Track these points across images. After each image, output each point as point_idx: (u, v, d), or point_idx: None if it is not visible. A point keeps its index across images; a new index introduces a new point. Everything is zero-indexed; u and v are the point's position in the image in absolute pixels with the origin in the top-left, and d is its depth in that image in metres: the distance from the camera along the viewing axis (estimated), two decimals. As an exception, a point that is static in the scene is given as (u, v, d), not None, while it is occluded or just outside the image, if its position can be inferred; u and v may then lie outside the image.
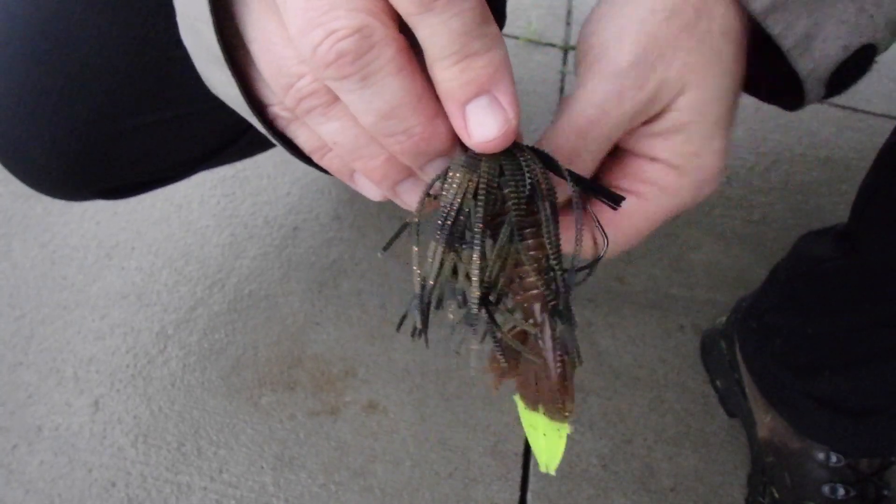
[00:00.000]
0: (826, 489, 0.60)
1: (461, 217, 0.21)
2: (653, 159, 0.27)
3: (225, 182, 0.84)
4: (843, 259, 0.53)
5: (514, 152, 0.22)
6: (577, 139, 0.25)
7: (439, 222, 0.21)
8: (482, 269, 0.21)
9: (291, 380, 0.69)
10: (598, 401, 0.71)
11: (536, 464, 0.67)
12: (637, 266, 0.82)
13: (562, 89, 1.00)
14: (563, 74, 1.02)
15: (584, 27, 0.27)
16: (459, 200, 0.21)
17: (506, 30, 1.07)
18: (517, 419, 0.68)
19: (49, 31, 0.42)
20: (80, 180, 0.47)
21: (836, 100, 1.06)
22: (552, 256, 0.22)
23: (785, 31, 0.24)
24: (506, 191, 0.22)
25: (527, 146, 0.23)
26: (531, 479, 0.66)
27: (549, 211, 0.22)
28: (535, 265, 0.22)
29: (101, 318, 0.73)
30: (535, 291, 0.23)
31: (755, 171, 0.95)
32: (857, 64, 0.26)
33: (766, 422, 0.64)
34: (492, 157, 0.22)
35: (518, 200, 0.22)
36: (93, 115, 0.43)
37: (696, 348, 0.76)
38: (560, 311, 0.23)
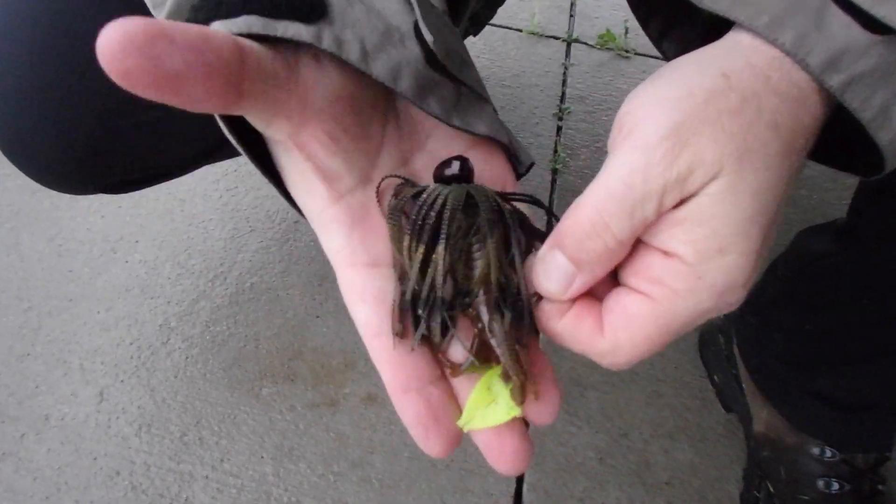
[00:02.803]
0: (821, 483, 0.60)
1: (432, 215, 0.25)
2: (667, 254, 0.24)
3: (227, 177, 0.85)
4: (842, 255, 0.53)
5: (483, 190, 0.26)
6: (597, 214, 0.23)
7: (417, 221, 0.25)
8: (445, 260, 0.25)
9: (292, 372, 0.71)
10: (595, 395, 0.72)
11: (533, 456, 0.67)
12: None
13: (564, 82, 1.00)
14: (566, 67, 1.02)
15: (622, 107, 0.25)
16: (435, 203, 0.25)
17: (509, 22, 1.07)
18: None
19: (55, 28, 0.43)
20: (85, 175, 0.48)
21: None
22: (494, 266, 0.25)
23: (864, 104, 0.23)
24: (478, 216, 0.26)
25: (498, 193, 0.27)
26: (527, 471, 0.67)
27: (495, 237, 0.25)
28: (484, 270, 0.25)
29: (106, 311, 0.74)
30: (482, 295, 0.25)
31: (758, 164, 0.94)
32: None
33: (763, 416, 0.64)
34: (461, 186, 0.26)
35: (484, 218, 0.26)
36: (98, 111, 0.44)
37: (695, 343, 0.76)
38: (502, 308, 0.25)
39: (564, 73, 1.01)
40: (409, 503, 0.63)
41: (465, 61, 0.30)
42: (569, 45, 1.05)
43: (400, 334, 0.25)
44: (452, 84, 0.28)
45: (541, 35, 1.06)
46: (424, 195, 0.26)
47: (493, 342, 0.24)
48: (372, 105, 0.27)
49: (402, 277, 0.25)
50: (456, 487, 0.65)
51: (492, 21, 0.73)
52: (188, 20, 0.24)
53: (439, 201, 0.25)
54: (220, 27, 0.23)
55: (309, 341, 0.73)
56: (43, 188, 0.50)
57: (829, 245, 0.55)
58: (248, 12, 0.23)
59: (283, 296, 0.76)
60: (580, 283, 0.24)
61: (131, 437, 0.66)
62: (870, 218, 0.51)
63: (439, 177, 0.27)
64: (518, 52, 1.03)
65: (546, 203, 0.86)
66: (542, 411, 0.25)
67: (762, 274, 0.65)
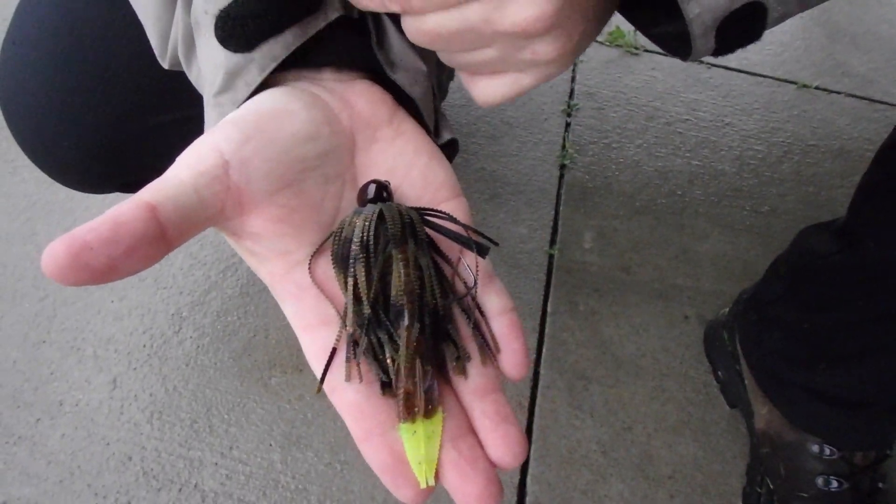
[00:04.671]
0: (820, 481, 0.61)
1: (353, 245, 0.26)
2: None
3: (239, 169, 0.86)
4: (842, 254, 0.54)
5: (393, 205, 0.27)
6: None
7: (339, 253, 0.26)
8: (368, 277, 0.26)
9: (300, 362, 0.72)
10: (599, 388, 0.73)
11: (536, 448, 0.68)
12: (643, 255, 0.83)
13: (573, 78, 1.00)
14: (575, 63, 1.02)
15: None
16: (350, 230, 0.27)
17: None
18: (519, 404, 0.70)
19: (77, 33, 0.44)
20: (103, 175, 0.50)
21: (852, 90, 1.04)
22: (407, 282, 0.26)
23: None
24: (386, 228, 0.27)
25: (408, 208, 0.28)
26: (531, 463, 0.68)
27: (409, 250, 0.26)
28: (396, 281, 0.26)
29: (119, 300, 0.75)
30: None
31: (766, 161, 0.94)
32: (747, 24, 0.25)
33: (763, 413, 0.65)
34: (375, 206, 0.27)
35: (391, 234, 0.27)
36: (119, 115, 0.45)
37: (700, 339, 0.76)
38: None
39: (573, 70, 1.01)
40: (413, 492, 0.64)
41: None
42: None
43: (348, 377, 0.25)
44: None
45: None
46: (337, 229, 0.27)
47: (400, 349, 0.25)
48: (324, 180, 0.28)
49: (344, 317, 0.26)
50: (460, 478, 0.66)
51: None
52: (223, 28, 0.27)
53: (356, 225, 0.26)
54: (272, 48, 0.27)
55: (317, 332, 0.74)
56: (58, 180, 0.51)
57: (829, 244, 0.55)
58: (283, 28, 0.27)
59: (293, 287, 0.77)
60: None
61: (143, 423, 0.67)
62: (868, 218, 0.51)
63: (361, 202, 0.27)
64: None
65: (554, 200, 0.86)
66: (508, 361, 0.26)
67: (765, 272, 0.66)
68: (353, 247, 0.26)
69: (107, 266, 0.21)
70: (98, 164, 0.48)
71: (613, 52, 1.05)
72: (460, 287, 0.27)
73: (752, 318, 0.65)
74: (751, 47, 0.36)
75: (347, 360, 0.25)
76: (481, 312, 0.27)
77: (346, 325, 0.25)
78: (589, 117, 0.96)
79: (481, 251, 0.27)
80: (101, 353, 0.72)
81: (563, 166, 0.90)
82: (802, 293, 0.59)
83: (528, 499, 0.65)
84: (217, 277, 0.78)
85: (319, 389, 0.25)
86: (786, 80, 1.04)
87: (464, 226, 0.28)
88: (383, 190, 0.27)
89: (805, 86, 1.04)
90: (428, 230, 0.27)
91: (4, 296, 0.75)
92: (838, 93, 1.04)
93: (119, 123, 0.46)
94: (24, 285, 0.76)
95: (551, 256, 0.82)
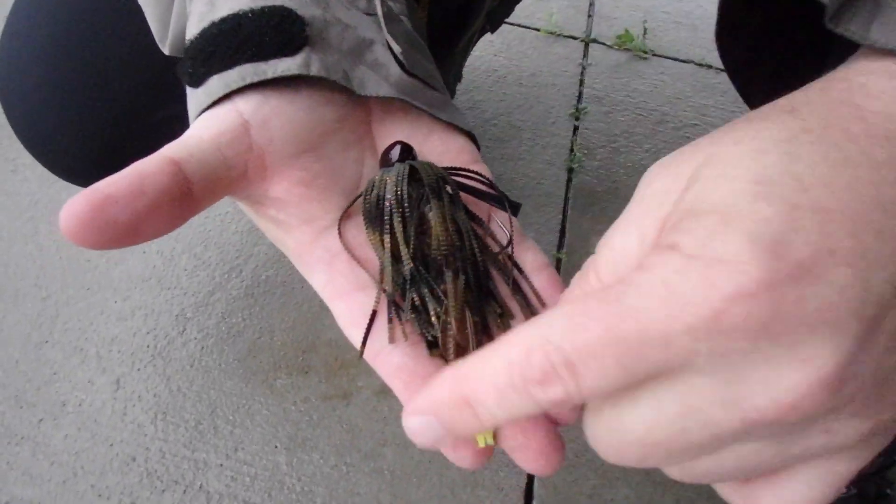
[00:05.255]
0: (830, 487, 0.60)
1: (387, 201, 0.25)
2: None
3: (244, 169, 0.86)
4: None
5: (423, 161, 0.26)
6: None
7: (371, 211, 0.25)
8: (407, 232, 0.24)
9: (306, 364, 0.71)
10: (606, 393, 0.72)
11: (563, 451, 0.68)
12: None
13: (581, 82, 1.00)
14: (584, 66, 1.02)
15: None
16: (381, 187, 0.26)
17: (527, 21, 1.07)
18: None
19: (73, 30, 0.44)
20: (104, 171, 0.49)
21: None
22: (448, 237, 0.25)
23: None
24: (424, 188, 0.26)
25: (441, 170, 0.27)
26: (538, 467, 0.67)
27: (445, 203, 0.25)
28: (437, 234, 0.25)
29: (123, 301, 0.75)
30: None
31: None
32: None
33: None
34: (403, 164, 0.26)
35: (429, 187, 0.25)
36: (116, 110, 0.45)
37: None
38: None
39: (582, 73, 1.01)
40: (419, 495, 0.64)
41: (433, 74, 0.31)
42: (586, 45, 1.05)
43: (392, 339, 0.24)
44: (427, 88, 0.29)
45: (558, 35, 1.06)
46: (367, 187, 0.26)
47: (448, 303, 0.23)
48: (344, 144, 0.27)
49: (382, 277, 0.25)
50: (467, 481, 0.65)
51: (509, 20, 0.73)
52: (184, 67, 0.26)
53: (387, 183, 0.25)
54: (217, 82, 0.24)
55: (323, 334, 0.73)
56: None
57: None
58: (238, 61, 0.25)
59: (298, 289, 0.76)
60: None
61: (147, 424, 0.66)
62: None
63: (384, 164, 0.27)
64: (535, 52, 1.03)
65: (562, 203, 0.86)
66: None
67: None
68: (387, 203, 0.25)
69: (131, 223, 0.20)
70: (98, 160, 0.47)
71: (622, 56, 1.05)
72: (493, 246, 0.27)
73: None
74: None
75: (389, 321, 0.24)
76: (519, 269, 0.26)
77: (384, 286, 0.24)
78: (597, 121, 0.96)
79: (514, 208, 0.26)
80: (104, 354, 0.71)
81: (570, 170, 0.90)
82: None
83: (534, 502, 0.65)
84: (221, 279, 0.77)
85: (362, 355, 0.24)
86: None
87: (492, 184, 0.27)
88: (408, 151, 0.27)
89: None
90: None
91: (6, 295, 0.74)
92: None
93: (118, 119, 0.45)
94: (25, 285, 0.75)
95: (559, 260, 0.82)
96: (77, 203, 0.19)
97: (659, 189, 0.19)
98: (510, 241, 0.26)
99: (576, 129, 0.95)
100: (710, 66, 1.04)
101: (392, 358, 0.23)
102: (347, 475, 0.65)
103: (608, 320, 0.16)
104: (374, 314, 0.24)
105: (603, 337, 0.16)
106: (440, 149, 0.29)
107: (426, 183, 0.25)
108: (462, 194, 0.27)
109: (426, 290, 0.24)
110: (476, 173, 0.27)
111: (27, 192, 0.83)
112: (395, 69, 0.28)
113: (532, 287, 0.25)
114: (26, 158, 0.48)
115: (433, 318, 0.24)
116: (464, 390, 0.18)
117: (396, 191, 0.25)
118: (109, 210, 0.19)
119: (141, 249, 0.79)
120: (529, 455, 0.22)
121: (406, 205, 0.25)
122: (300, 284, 0.77)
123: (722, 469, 0.18)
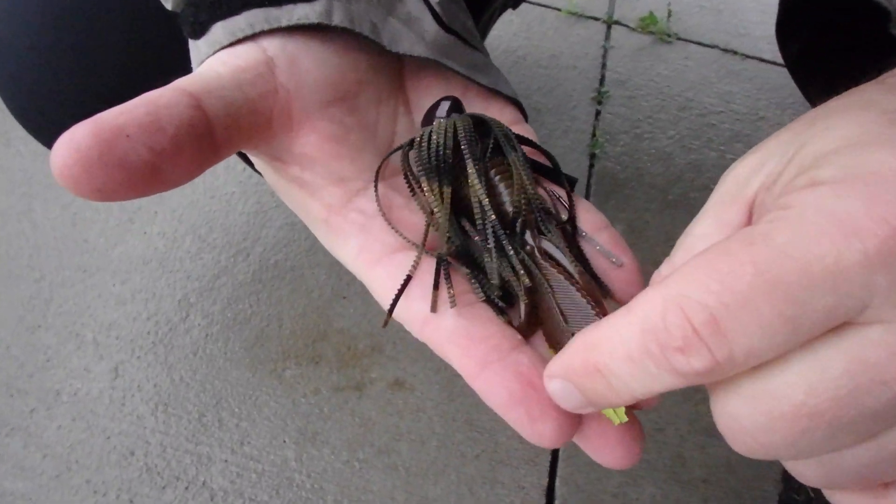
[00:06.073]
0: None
1: (444, 145, 0.22)
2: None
3: (251, 148, 0.82)
4: None
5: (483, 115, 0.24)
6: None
7: (431, 159, 0.22)
8: (481, 178, 0.22)
9: (316, 354, 0.68)
10: (631, 388, 0.69)
11: (565, 449, 0.65)
12: (674, 251, 0.80)
13: (603, 65, 0.97)
14: (606, 49, 0.98)
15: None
16: (442, 135, 0.23)
17: (548, 1, 1.03)
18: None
19: None
20: None
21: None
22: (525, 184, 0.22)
23: None
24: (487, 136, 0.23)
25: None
26: (560, 464, 0.64)
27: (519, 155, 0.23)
28: (518, 188, 0.22)
29: (122, 283, 0.71)
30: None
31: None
32: None
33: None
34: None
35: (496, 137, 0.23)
36: (114, 77, 0.42)
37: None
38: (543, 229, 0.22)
39: (604, 56, 0.98)
40: (436, 493, 0.61)
41: (472, 31, 0.28)
42: (609, 26, 1.01)
43: (453, 303, 0.21)
44: (467, 48, 0.26)
45: (580, 15, 1.03)
46: (424, 135, 0.23)
47: (555, 255, 0.21)
48: (377, 98, 0.24)
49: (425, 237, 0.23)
50: (486, 478, 0.62)
51: (530, -1, 0.70)
52: (185, 16, 0.22)
53: (449, 132, 0.22)
54: (220, 30, 0.21)
55: (335, 323, 0.70)
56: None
57: None
58: (247, 5, 0.21)
59: (309, 275, 0.73)
60: None
61: (147, 415, 0.63)
62: None
63: (427, 122, 0.24)
64: (555, 33, 1.00)
65: (584, 190, 0.83)
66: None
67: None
68: (449, 151, 0.22)
69: (149, 163, 0.16)
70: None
71: (645, 39, 1.01)
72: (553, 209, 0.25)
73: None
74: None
75: (436, 286, 0.21)
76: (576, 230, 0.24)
77: (433, 248, 0.22)
78: (619, 105, 0.92)
79: (571, 183, 0.25)
80: (101, 340, 0.67)
81: (592, 155, 0.86)
82: None
83: (556, 502, 0.62)
84: (227, 262, 0.73)
85: (387, 323, 0.21)
86: (816, 75, 1.01)
87: (545, 152, 0.25)
88: (458, 106, 0.24)
89: (837, 81, 1.01)
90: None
91: (-2, 276, 0.70)
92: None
93: (117, 86, 0.42)
94: (18, 266, 0.71)
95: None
96: (78, 135, 0.15)
97: (740, 174, 0.18)
98: (572, 206, 0.24)
99: (598, 113, 0.91)
100: (735, 52, 1.00)
101: (445, 322, 0.20)
102: (360, 471, 0.61)
103: (758, 264, 0.13)
104: (408, 278, 0.21)
105: (755, 283, 0.13)
106: (480, 106, 0.26)
107: (496, 132, 0.23)
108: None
109: (509, 247, 0.21)
110: (530, 141, 0.25)
111: (20, 167, 0.79)
112: (430, 24, 0.25)
113: (600, 246, 0.23)
114: (19, 131, 0.45)
115: (522, 277, 0.21)
116: (595, 359, 0.15)
117: (466, 136, 0.22)
118: (120, 147, 0.15)
119: (142, 230, 0.75)
120: (606, 444, 0.19)
121: (476, 154, 0.22)
122: (311, 270, 0.73)
123: (879, 459, 0.14)
